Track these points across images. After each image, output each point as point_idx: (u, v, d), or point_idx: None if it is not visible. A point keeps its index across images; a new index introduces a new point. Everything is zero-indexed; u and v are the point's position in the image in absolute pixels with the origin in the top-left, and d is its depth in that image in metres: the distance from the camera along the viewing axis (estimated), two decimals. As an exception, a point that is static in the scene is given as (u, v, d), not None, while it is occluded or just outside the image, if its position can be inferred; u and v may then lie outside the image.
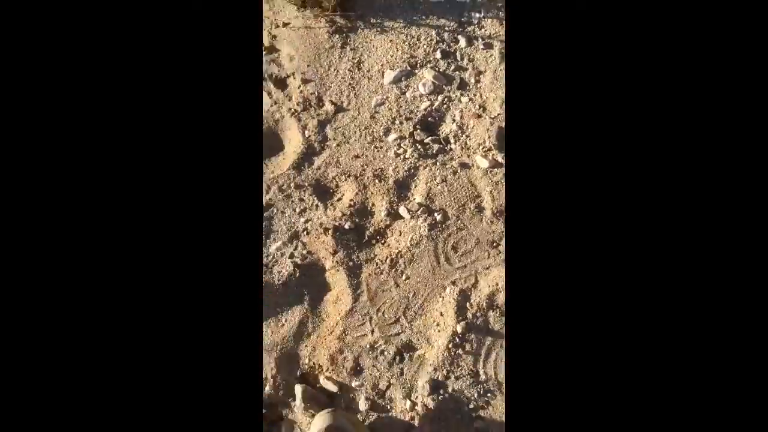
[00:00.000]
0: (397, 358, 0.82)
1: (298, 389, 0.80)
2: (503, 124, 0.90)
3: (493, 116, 0.93)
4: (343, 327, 0.85)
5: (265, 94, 1.01)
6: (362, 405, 0.80)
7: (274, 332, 0.87)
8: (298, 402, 0.79)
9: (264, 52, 1.03)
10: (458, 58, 0.97)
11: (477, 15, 0.98)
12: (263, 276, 0.89)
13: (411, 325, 0.84)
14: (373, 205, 0.91)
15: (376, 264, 0.87)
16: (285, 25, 1.04)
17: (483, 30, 0.98)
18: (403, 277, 0.86)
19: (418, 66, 0.98)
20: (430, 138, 0.93)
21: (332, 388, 0.82)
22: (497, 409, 0.79)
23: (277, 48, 1.03)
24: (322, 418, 0.78)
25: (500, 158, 0.89)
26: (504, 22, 0.94)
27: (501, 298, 0.83)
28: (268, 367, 0.84)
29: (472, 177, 0.90)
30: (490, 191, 0.88)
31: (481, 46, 0.97)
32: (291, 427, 0.82)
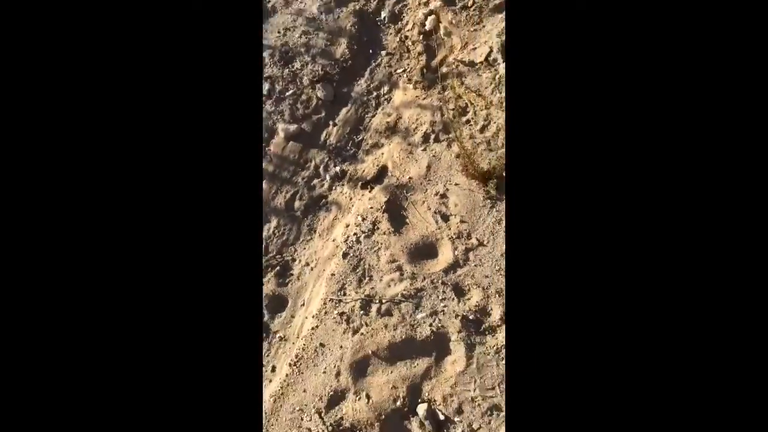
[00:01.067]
0: (488, 412, 1.22)
1: (422, 407, 1.21)
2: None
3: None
4: (455, 380, 1.26)
5: (433, 221, 1.55)
6: (458, 433, 1.19)
7: (408, 369, 1.30)
8: (421, 414, 1.19)
9: (437, 197, 1.60)
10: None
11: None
12: (411, 334, 1.34)
13: (502, 394, 1.24)
14: (491, 309, 1.37)
15: (486, 348, 1.31)
16: (456, 185, 1.61)
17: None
18: (503, 362, 1.28)
19: (536, 233, 1.50)
20: (534, 278, 1.42)
21: (440, 417, 1.21)
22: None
23: (449, 196, 1.60)
24: None
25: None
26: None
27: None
28: (400, 390, 1.26)
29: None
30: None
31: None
32: (405, 435, 1.21)
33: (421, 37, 2.04)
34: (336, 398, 1.27)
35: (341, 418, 1.24)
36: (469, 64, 1.91)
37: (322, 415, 1.24)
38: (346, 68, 2.00)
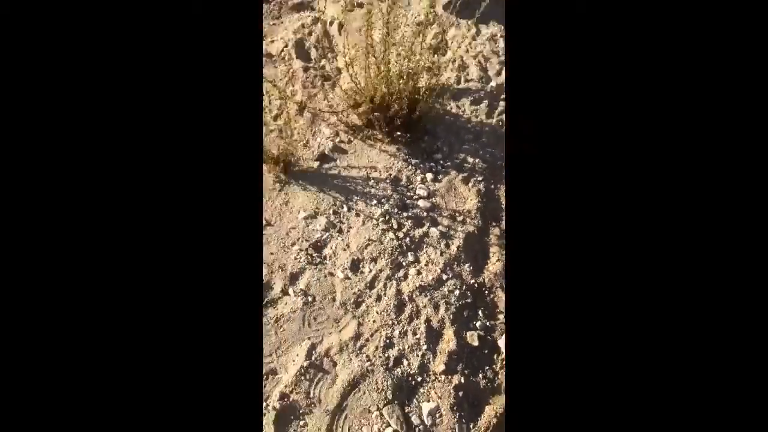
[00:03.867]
0: (265, 376, 1.22)
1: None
2: (359, 254, 1.47)
3: (352, 252, 1.50)
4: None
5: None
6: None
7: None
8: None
9: (230, 180, 1.52)
10: (341, 215, 1.57)
11: (356, 197, 1.61)
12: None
13: (278, 358, 1.25)
14: (274, 283, 1.37)
15: (267, 319, 1.30)
16: (248, 169, 1.55)
17: (357, 204, 1.61)
18: (282, 329, 1.30)
19: (318, 214, 1.55)
20: (315, 254, 1.46)
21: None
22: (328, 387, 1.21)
23: (240, 180, 1.53)
24: None
25: (349, 274, 1.44)
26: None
27: (334, 352, 1.30)
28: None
29: (335, 280, 1.43)
30: (341, 291, 1.41)
31: (354, 214, 1.58)
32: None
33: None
34: None
35: None
36: (267, 56, 1.86)
37: None
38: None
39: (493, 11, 2.01)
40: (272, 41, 1.91)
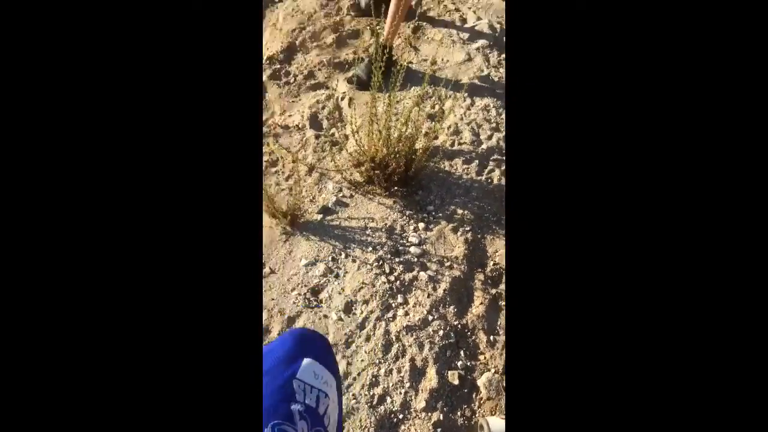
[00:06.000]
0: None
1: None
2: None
3: (346, 295, 1.58)
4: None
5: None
6: None
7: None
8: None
9: (244, 231, 1.68)
10: (338, 261, 1.68)
11: (354, 245, 1.73)
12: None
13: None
14: (272, 328, 1.46)
15: (265, 355, 1.38)
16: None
17: (354, 251, 1.71)
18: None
19: (318, 261, 1.66)
20: (313, 298, 1.56)
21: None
22: None
23: (252, 231, 1.69)
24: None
25: (342, 316, 1.51)
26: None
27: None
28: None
29: (328, 322, 1.50)
30: (333, 332, 1.48)
31: (351, 260, 1.69)
32: None
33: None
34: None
35: None
36: (284, 128, 2.10)
37: None
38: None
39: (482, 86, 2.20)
40: (290, 116, 2.16)
